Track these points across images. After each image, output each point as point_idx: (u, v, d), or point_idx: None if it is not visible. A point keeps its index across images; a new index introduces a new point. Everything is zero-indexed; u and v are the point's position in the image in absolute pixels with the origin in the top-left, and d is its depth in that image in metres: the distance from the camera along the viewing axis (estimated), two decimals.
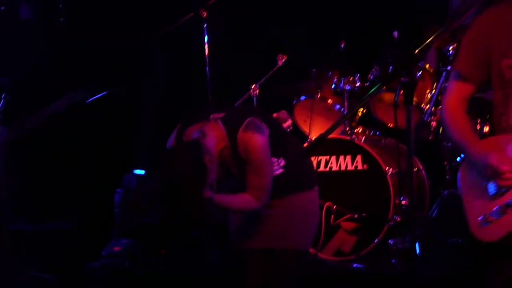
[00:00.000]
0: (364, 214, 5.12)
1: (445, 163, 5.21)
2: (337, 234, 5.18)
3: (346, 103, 5.63)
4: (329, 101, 5.71)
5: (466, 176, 2.96)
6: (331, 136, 5.38)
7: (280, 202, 3.44)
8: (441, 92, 5.11)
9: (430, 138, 5.39)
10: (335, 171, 5.26)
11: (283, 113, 5.75)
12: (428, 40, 2.62)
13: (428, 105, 5.21)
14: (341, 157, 5.25)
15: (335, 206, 5.16)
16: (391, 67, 5.43)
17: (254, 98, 5.85)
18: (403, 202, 5.07)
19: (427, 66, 5.32)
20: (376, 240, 5.05)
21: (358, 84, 5.63)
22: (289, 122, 5.70)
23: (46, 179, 6.53)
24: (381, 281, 4.78)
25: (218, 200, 3.24)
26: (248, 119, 3.30)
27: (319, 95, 5.73)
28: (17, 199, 5.84)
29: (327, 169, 5.29)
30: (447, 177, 5.18)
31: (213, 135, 3.28)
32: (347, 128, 5.57)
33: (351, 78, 5.65)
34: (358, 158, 5.20)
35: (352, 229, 5.15)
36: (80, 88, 4.79)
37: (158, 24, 5.80)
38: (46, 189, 6.49)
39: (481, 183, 2.85)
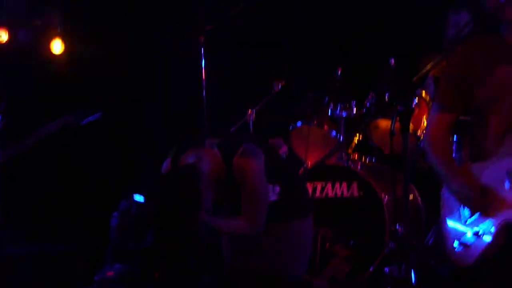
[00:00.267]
0: (359, 241, 5.10)
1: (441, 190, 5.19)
2: (332, 261, 5.15)
3: (342, 130, 5.64)
4: (326, 127, 5.71)
5: (445, 201, 3.05)
6: (327, 162, 5.43)
7: (274, 229, 3.42)
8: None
9: (426, 166, 5.39)
10: (331, 198, 5.25)
11: (278, 140, 5.77)
12: (425, 69, 2.63)
13: (424, 132, 5.21)
14: (337, 184, 5.24)
15: (330, 232, 5.14)
16: (387, 94, 5.44)
17: (250, 124, 5.86)
18: (399, 230, 5.05)
19: (423, 93, 5.33)
20: (371, 268, 5.02)
21: (354, 111, 5.64)
22: (284, 149, 5.71)
23: (40, 202, 6.51)
24: None
25: (213, 224, 3.22)
26: (244, 145, 3.30)
27: (315, 121, 5.73)
28: (9, 222, 5.81)
29: (323, 195, 5.27)
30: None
31: (209, 160, 3.27)
32: (343, 154, 5.56)
33: (348, 104, 5.66)
34: (354, 184, 5.19)
35: (347, 256, 5.13)
36: (74, 111, 4.78)
37: (156, 47, 5.83)
38: (40, 212, 6.46)
39: (457, 208, 2.94)
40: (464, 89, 2.95)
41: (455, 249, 2.90)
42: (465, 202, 2.88)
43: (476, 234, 2.82)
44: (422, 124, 5.31)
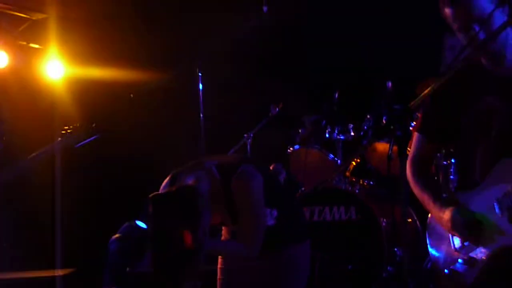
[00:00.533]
0: (357, 265, 5.08)
1: None
2: (331, 285, 5.13)
3: (340, 153, 5.64)
4: (323, 150, 5.71)
5: (433, 229, 3.02)
6: (324, 186, 5.42)
7: (271, 255, 3.40)
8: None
9: None
10: (328, 221, 5.24)
11: (278, 166, 5.77)
12: (423, 93, 2.62)
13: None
14: (335, 207, 5.24)
15: (328, 256, 5.13)
16: (384, 117, 5.45)
17: (248, 147, 5.87)
18: (397, 253, 5.05)
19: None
20: None
21: (352, 134, 5.65)
22: (283, 174, 5.71)
23: (37, 225, 6.49)
24: None
25: (210, 246, 3.20)
26: (242, 166, 3.29)
27: (313, 145, 5.74)
28: (7, 245, 5.80)
29: (321, 219, 5.26)
30: None
31: (207, 181, 3.26)
32: (341, 178, 5.56)
33: (345, 128, 5.67)
34: (352, 208, 5.19)
35: (346, 280, 5.11)
36: (71, 133, 4.79)
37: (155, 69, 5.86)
38: (41, 234, 6.45)
39: (446, 235, 2.92)
40: (447, 120, 2.96)
41: (447, 277, 2.87)
42: (455, 232, 2.86)
43: (467, 261, 2.81)
44: None
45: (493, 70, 2.88)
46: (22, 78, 6.18)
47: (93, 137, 5.02)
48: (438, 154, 5.05)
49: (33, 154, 4.63)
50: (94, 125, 4.74)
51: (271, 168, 5.73)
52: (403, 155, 2.58)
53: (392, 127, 2.54)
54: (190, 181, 3.24)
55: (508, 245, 2.72)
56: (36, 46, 6.24)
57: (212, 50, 5.38)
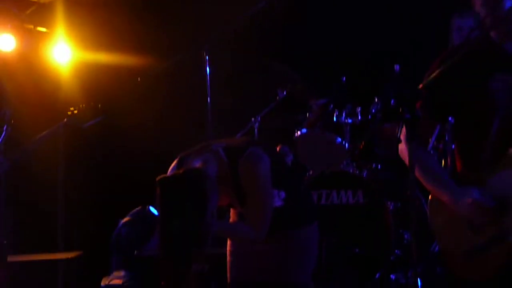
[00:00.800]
0: (365, 249, 5.08)
1: None
2: (338, 268, 5.14)
3: (347, 137, 5.63)
4: (331, 134, 5.70)
5: (440, 212, 2.92)
6: (332, 169, 5.42)
7: (279, 236, 3.40)
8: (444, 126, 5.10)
9: None
10: (336, 205, 5.24)
11: (285, 148, 5.76)
12: (432, 75, 2.60)
13: (430, 139, 5.20)
14: (342, 191, 5.23)
15: (335, 240, 5.13)
16: (392, 101, 5.43)
17: (255, 131, 5.86)
18: (405, 237, 5.05)
19: None
20: (377, 275, 5.01)
21: (359, 117, 5.64)
22: (290, 156, 5.70)
23: (47, 209, 6.52)
24: None
25: (218, 228, 3.21)
26: (250, 149, 3.29)
27: (320, 128, 5.72)
28: (16, 229, 5.82)
29: (328, 202, 5.26)
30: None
31: (214, 164, 3.25)
32: (349, 161, 5.55)
33: (353, 111, 5.66)
34: (359, 192, 5.18)
35: (353, 263, 5.12)
36: (76, 114, 4.78)
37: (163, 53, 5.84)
38: (46, 217, 6.48)
39: (458, 217, 2.82)
40: (456, 95, 2.88)
41: (465, 260, 2.78)
42: (479, 214, 2.74)
43: (493, 242, 2.71)
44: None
45: (506, 47, 2.83)
46: (29, 62, 6.18)
47: (98, 118, 5.01)
48: (446, 138, 5.04)
49: (38, 136, 4.63)
50: (99, 105, 4.74)
51: (277, 149, 5.73)
52: (411, 139, 2.56)
53: (400, 109, 2.53)
54: (197, 164, 3.24)
55: None
56: (43, 29, 6.23)
57: (219, 34, 5.35)
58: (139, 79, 5.82)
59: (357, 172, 5.43)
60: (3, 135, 4.24)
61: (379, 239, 5.06)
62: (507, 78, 2.78)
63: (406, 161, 2.87)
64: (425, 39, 6.07)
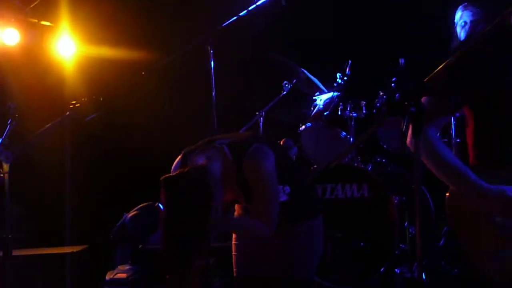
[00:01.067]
0: (370, 243, 5.08)
1: None
2: (343, 262, 5.14)
3: (352, 130, 5.62)
4: (335, 128, 5.69)
5: (462, 207, 2.84)
6: (337, 163, 5.40)
7: (284, 231, 3.40)
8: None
9: None
10: (341, 199, 5.23)
11: (289, 141, 5.75)
12: (437, 69, 2.58)
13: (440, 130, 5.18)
14: (347, 185, 5.22)
15: (340, 234, 5.13)
16: (397, 94, 5.42)
17: (260, 125, 5.85)
18: (410, 231, 5.04)
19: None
20: (382, 269, 5.01)
21: (364, 111, 5.63)
22: (294, 150, 5.69)
23: (53, 203, 6.53)
24: None
25: (225, 225, 3.20)
26: (254, 145, 3.28)
27: (325, 122, 5.72)
28: (21, 223, 5.83)
29: (333, 196, 5.25)
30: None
31: (218, 160, 3.25)
32: (353, 155, 5.54)
33: (357, 105, 5.65)
34: (364, 186, 5.17)
35: (358, 257, 5.11)
36: (79, 107, 4.78)
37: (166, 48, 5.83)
38: (52, 211, 6.49)
39: (484, 217, 2.75)
40: (472, 83, 2.80)
41: (491, 264, 2.71)
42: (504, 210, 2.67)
43: None
44: None
45: None
46: (33, 56, 6.18)
47: (100, 112, 4.99)
48: (452, 132, 5.03)
49: (42, 129, 4.62)
50: (101, 99, 4.73)
51: (281, 143, 5.72)
52: (417, 132, 2.55)
53: (406, 103, 2.51)
54: (201, 161, 3.23)
55: None
56: (47, 23, 6.23)
57: (223, 27, 5.34)
58: (143, 73, 5.82)
59: (362, 166, 5.42)
60: (7, 129, 4.24)
61: (384, 233, 5.05)
62: None
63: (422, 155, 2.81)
64: (430, 33, 6.05)
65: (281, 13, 6.20)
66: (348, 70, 5.77)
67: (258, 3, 5.20)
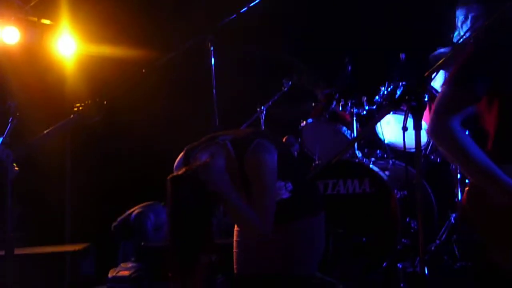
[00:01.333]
0: (372, 238, 5.08)
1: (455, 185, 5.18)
2: (345, 257, 5.14)
3: (353, 126, 5.61)
4: (336, 123, 5.69)
5: (488, 202, 2.67)
6: (338, 159, 5.40)
7: (286, 227, 3.39)
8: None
9: (438, 160, 5.38)
10: (342, 194, 5.23)
11: (290, 138, 5.75)
12: (438, 63, 2.57)
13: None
14: (349, 180, 5.22)
15: (342, 229, 5.12)
16: (398, 90, 5.41)
17: (261, 121, 5.85)
18: (412, 226, 5.04)
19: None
20: (384, 264, 5.01)
21: (365, 107, 5.62)
22: (297, 146, 5.69)
23: (54, 202, 6.53)
24: None
25: (234, 201, 3.17)
26: (257, 140, 3.27)
27: (326, 118, 5.71)
28: (21, 221, 5.83)
29: (335, 192, 5.25)
30: (455, 200, 5.14)
31: (222, 157, 3.24)
32: (355, 150, 5.54)
33: (358, 100, 5.64)
34: (366, 181, 5.17)
35: (360, 252, 5.11)
36: (82, 110, 4.77)
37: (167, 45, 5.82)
38: (53, 209, 6.49)
39: None
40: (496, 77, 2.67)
41: None
42: None
43: None
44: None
45: None
46: (33, 54, 6.17)
47: (103, 115, 4.99)
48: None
49: (45, 131, 4.62)
50: (105, 102, 4.72)
51: (284, 140, 5.72)
52: (418, 127, 2.53)
53: (407, 97, 2.50)
54: (204, 158, 3.23)
55: None
56: (47, 22, 6.22)
57: (224, 24, 5.33)
58: (144, 70, 5.82)
59: (364, 161, 5.42)
60: (8, 127, 4.24)
61: (386, 228, 5.05)
62: None
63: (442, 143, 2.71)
64: (431, 28, 6.04)
65: (281, 9, 6.21)
66: (350, 68, 5.76)
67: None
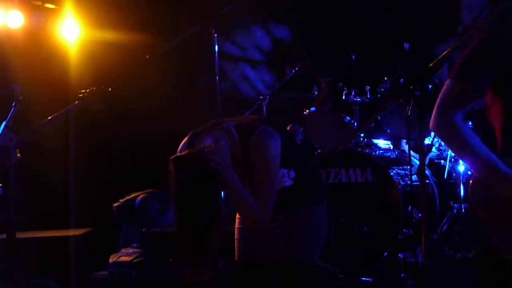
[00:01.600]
0: (373, 227, 5.08)
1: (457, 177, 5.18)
2: (346, 247, 5.14)
3: (356, 115, 5.61)
4: (340, 113, 5.68)
5: (491, 194, 2.68)
6: (341, 148, 5.40)
7: (288, 215, 3.39)
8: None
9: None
10: (344, 183, 5.23)
11: (295, 126, 5.74)
12: (443, 53, 2.56)
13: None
14: (351, 170, 5.22)
15: (344, 218, 5.13)
16: (402, 79, 5.40)
17: (264, 109, 5.84)
18: (414, 216, 5.04)
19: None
20: (385, 254, 5.01)
21: (368, 96, 5.62)
22: (300, 135, 5.69)
23: (56, 185, 6.54)
24: None
25: (237, 188, 3.16)
26: (261, 127, 3.27)
27: (329, 107, 5.71)
28: (24, 205, 5.84)
29: (337, 181, 5.25)
30: (457, 191, 5.15)
31: (225, 141, 3.24)
32: (358, 140, 5.54)
33: (362, 89, 5.64)
34: (368, 170, 5.17)
35: (362, 242, 5.12)
36: (87, 96, 4.77)
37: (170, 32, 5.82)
38: (56, 195, 6.49)
39: None
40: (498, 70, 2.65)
41: None
42: None
43: None
44: None
45: None
46: (37, 39, 6.16)
47: (108, 102, 4.98)
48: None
49: (49, 117, 4.62)
50: (110, 89, 4.72)
51: (288, 128, 5.72)
52: (422, 117, 2.53)
53: (411, 87, 2.49)
54: (209, 142, 3.23)
55: None
56: (51, 6, 6.20)
57: (227, 10, 5.32)
58: (147, 57, 5.82)
59: (366, 150, 5.41)
60: (11, 111, 4.24)
61: (387, 217, 5.06)
62: None
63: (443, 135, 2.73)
64: (435, 18, 6.03)
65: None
66: (354, 57, 5.75)
67: None
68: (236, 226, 3.58)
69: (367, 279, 4.99)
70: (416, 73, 2.49)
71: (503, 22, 2.53)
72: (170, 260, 5.07)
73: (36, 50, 6.20)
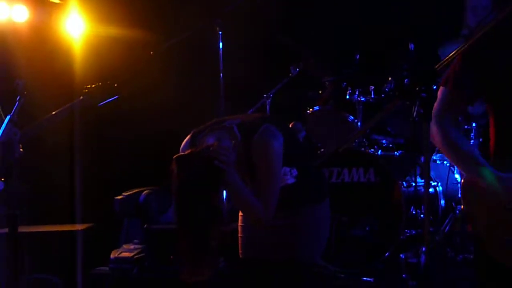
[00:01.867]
0: (375, 227, 5.09)
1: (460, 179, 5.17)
2: (348, 246, 5.14)
3: (360, 115, 5.61)
4: (343, 112, 5.68)
5: (476, 195, 2.78)
6: (344, 147, 5.40)
7: (290, 214, 3.39)
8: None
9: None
10: (347, 183, 5.23)
11: (297, 124, 5.74)
12: (450, 55, 2.56)
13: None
14: (354, 169, 5.22)
15: (346, 218, 5.13)
16: (406, 80, 5.40)
17: (267, 107, 5.84)
18: (416, 216, 5.05)
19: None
20: (387, 254, 5.01)
21: (372, 96, 5.61)
22: (303, 133, 5.69)
23: (58, 180, 6.54)
24: None
25: (238, 187, 3.16)
26: (264, 125, 3.27)
27: (333, 106, 5.70)
28: (27, 200, 5.84)
29: (339, 180, 5.25)
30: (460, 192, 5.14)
31: (228, 140, 3.24)
32: (361, 139, 5.53)
33: (366, 89, 5.63)
34: (371, 170, 5.17)
35: (363, 241, 5.12)
36: (92, 92, 4.77)
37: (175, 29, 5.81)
38: (58, 190, 6.50)
39: (498, 202, 2.70)
40: (487, 75, 2.72)
41: (506, 247, 2.66)
42: None
43: None
44: None
45: None
46: (42, 33, 6.15)
47: (114, 97, 4.99)
48: (460, 119, 5.01)
49: (53, 112, 4.63)
50: (115, 85, 4.72)
51: (290, 126, 5.71)
52: (427, 118, 2.52)
53: (416, 88, 2.49)
54: (211, 141, 3.23)
55: None
56: (56, 1, 6.20)
57: (232, 8, 5.32)
58: (152, 53, 5.82)
59: (369, 150, 5.41)
60: (16, 105, 4.24)
61: (389, 217, 5.06)
62: None
63: (434, 140, 2.82)
64: (439, 18, 6.02)
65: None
66: (358, 57, 5.75)
67: None
68: (239, 224, 3.58)
69: (368, 279, 4.99)
70: (422, 75, 2.49)
71: (493, 31, 2.56)
72: (171, 257, 5.08)
73: (41, 44, 6.19)
